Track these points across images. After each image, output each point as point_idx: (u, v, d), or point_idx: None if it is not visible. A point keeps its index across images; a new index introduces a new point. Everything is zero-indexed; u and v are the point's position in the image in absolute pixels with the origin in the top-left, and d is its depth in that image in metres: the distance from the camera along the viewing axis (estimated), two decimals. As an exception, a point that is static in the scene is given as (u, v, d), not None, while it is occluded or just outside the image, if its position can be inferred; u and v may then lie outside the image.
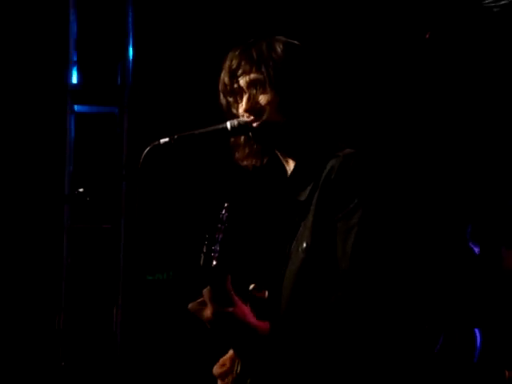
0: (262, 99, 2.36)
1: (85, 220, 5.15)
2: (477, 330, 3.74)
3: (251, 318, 2.17)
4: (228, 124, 2.38)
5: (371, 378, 2.20)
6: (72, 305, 5.03)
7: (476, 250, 4.22)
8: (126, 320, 5.02)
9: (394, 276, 2.19)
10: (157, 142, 2.39)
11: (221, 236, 2.14)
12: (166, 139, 2.40)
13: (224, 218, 2.15)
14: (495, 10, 4.13)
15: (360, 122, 4.49)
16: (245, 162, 2.48)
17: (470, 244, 4.19)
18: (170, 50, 5.22)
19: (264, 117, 2.35)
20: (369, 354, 2.18)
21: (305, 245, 2.27)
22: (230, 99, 2.44)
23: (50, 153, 5.12)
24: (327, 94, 2.38)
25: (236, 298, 2.17)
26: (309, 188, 2.32)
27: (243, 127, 2.38)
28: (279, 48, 2.37)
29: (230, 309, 2.14)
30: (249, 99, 2.37)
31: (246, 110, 2.38)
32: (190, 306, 2.20)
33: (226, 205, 2.17)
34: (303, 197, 2.34)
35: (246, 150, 2.47)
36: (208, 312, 2.15)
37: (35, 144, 5.10)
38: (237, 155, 2.48)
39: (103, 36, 5.19)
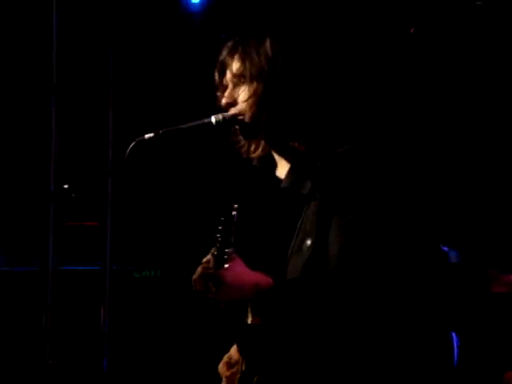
0: (242, 94, 2.33)
1: (71, 217, 5.13)
2: (453, 333, 3.75)
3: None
4: (213, 118, 2.36)
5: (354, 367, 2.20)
6: (59, 303, 5.01)
7: (452, 254, 4.24)
8: (113, 318, 5.01)
9: (382, 277, 2.17)
10: (142, 138, 2.39)
11: (233, 239, 2.13)
12: (151, 134, 2.39)
13: (235, 220, 2.13)
14: (478, 3, 4.15)
15: (353, 118, 4.48)
16: (245, 156, 2.46)
17: (444, 248, 4.21)
18: (155, 46, 5.22)
19: (236, 110, 2.34)
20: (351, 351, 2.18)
21: (309, 242, 2.24)
22: (219, 93, 2.42)
23: (35, 150, 5.11)
24: (315, 91, 2.34)
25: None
26: (307, 184, 2.29)
27: (228, 121, 2.36)
28: (268, 43, 2.32)
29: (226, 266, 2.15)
30: (229, 93, 2.35)
31: (224, 104, 2.36)
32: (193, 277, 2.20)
33: (235, 206, 2.15)
34: (304, 192, 2.31)
35: (243, 144, 2.45)
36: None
37: (20, 141, 5.09)
38: (237, 149, 2.45)
39: (86, 33, 5.18)
